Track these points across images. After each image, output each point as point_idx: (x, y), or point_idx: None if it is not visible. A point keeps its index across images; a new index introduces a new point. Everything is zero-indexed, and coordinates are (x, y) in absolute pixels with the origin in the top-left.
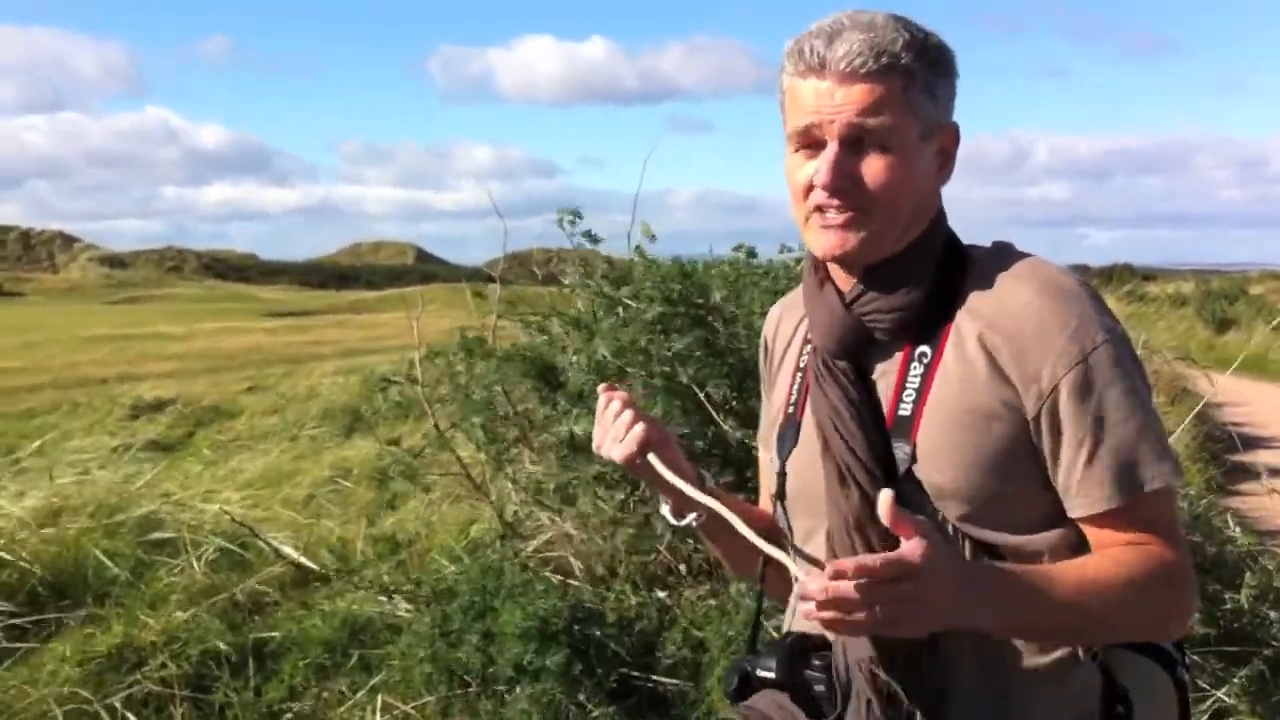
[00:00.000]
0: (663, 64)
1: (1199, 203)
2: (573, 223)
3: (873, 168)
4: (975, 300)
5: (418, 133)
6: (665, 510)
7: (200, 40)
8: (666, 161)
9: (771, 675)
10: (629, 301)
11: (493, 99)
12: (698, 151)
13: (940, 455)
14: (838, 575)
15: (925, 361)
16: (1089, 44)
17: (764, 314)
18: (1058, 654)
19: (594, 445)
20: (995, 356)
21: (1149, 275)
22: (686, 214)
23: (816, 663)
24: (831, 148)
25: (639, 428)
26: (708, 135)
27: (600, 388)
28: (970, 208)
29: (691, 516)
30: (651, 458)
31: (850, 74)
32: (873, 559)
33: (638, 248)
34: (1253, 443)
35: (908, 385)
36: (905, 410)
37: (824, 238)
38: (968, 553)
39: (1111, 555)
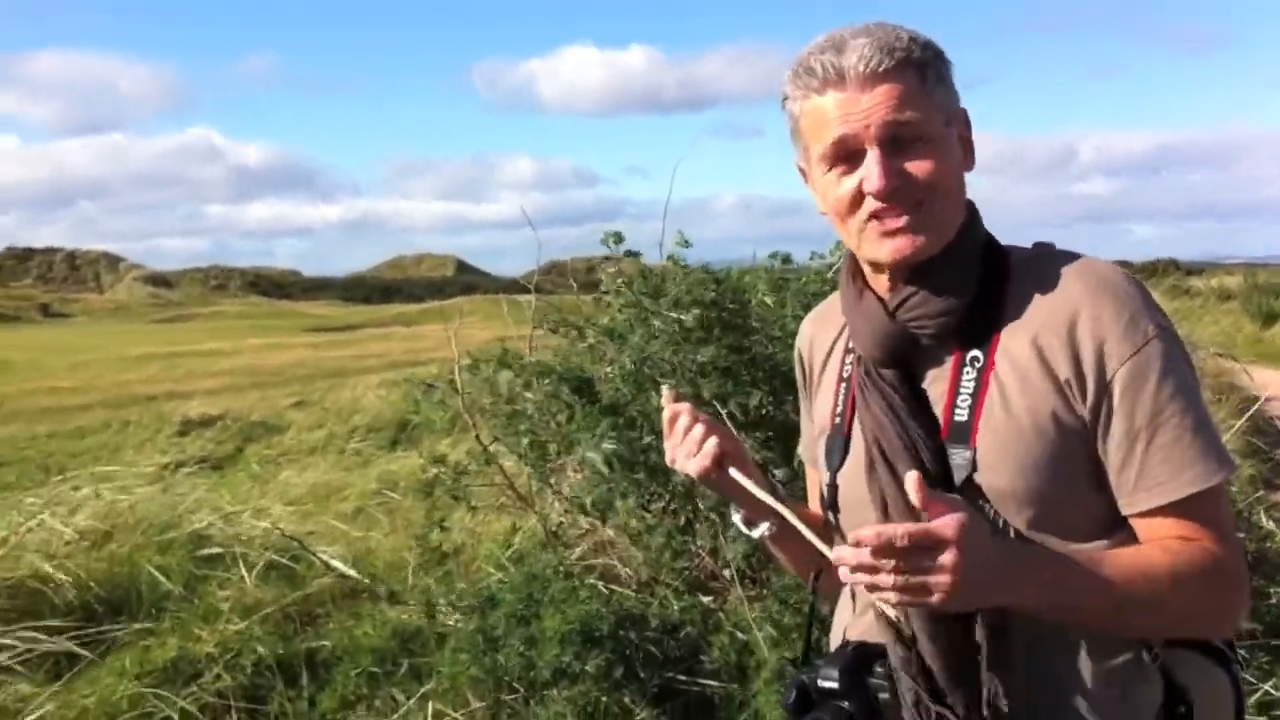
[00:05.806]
0: (705, 71)
1: (1248, 197)
2: (617, 242)
3: (918, 162)
4: (1024, 301)
5: (460, 146)
6: (737, 519)
7: (243, 59)
8: (710, 168)
9: (834, 685)
10: (664, 312)
11: (535, 110)
12: (743, 157)
13: (1000, 459)
14: (861, 542)
15: (978, 365)
16: (1142, 40)
17: (799, 319)
18: (1121, 657)
19: (667, 459)
20: (1049, 357)
21: (1194, 270)
22: (731, 220)
23: (879, 669)
24: (874, 153)
25: (712, 442)
26: (756, 140)
27: (664, 397)
28: (1016, 206)
29: (764, 527)
30: (733, 470)
31: (870, 76)
32: (894, 528)
33: (670, 256)
34: None
35: (961, 390)
36: (961, 416)
37: (889, 243)
38: None
39: (1161, 544)
